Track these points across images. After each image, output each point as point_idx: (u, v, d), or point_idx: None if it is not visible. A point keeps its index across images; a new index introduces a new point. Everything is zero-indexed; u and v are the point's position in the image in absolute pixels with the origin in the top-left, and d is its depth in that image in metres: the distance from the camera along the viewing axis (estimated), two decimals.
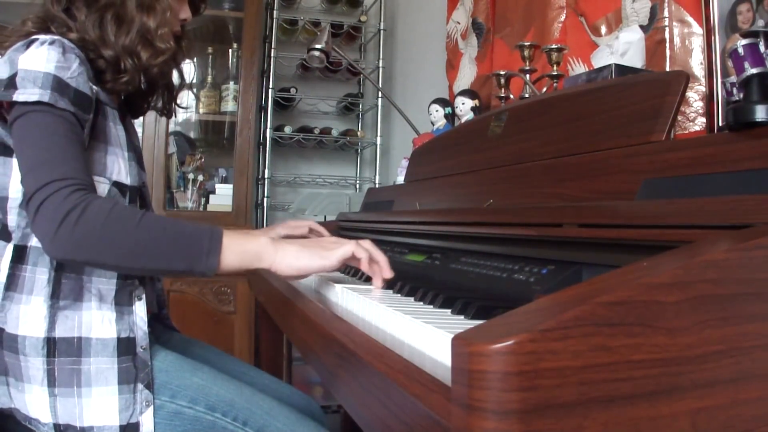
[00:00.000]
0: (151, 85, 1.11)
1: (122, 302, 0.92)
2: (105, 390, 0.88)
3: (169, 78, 1.12)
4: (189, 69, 1.24)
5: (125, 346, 0.90)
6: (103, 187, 0.93)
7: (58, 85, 0.84)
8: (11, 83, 0.84)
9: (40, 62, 0.84)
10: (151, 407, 0.90)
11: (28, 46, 0.87)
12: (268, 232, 1.23)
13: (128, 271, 0.90)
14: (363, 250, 0.90)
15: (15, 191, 0.89)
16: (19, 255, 0.89)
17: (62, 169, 0.81)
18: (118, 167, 0.95)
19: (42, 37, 0.88)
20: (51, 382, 0.86)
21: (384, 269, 0.92)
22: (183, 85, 1.16)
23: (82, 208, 0.79)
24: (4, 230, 0.90)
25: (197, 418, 0.92)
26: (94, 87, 0.91)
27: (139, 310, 0.94)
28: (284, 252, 0.86)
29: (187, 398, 0.93)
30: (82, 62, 0.89)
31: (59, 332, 0.88)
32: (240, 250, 0.84)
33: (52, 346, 0.87)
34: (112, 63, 0.94)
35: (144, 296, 0.95)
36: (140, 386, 0.90)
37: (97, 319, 0.90)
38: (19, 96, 0.83)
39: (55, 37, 0.88)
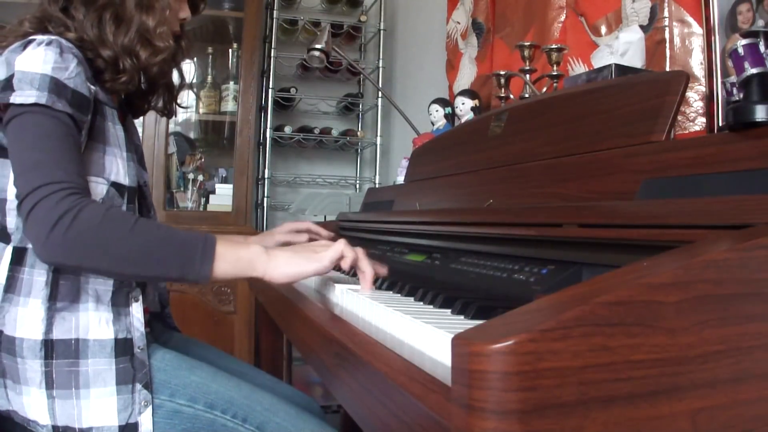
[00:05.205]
0: (152, 84, 1.10)
1: (119, 303, 0.92)
2: (103, 391, 0.88)
3: (169, 77, 1.12)
4: (189, 69, 1.23)
5: (122, 347, 0.90)
6: (101, 188, 0.92)
7: (56, 86, 0.84)
8: (8, 85, 0.83)
9: (37, 63, 0.84)
10: (150, 407, 0.90)
11: (25, 47, 0.86)
12: (265, 238, 1.22)
13: (120, 277, 0.89)
14: (351, 249, 0.90)
15: (14, 193, 0.88)
16: (19, 257, 0.89)
17: (56, 172, 0.81)
18: (116, 168, 0.95)
19: (39, 37, 0.87)
20: (49, 384, 0.86)
21: (378, 269, 0.93)
22: (183, 84, 1.16)
23: (75, 212, 0.79)
24: (4, 232, 0.90)
25: (196, 416, 0.92)
26: (93, 87, 0.91)
27: (136, 311, 0.93)
28: (276, 260, 0.86)
29: (186, 397, 0.93)
30: (80, 62, 0.88)
31: (57, 334, 0.87)
32: (233, 258, 0.84)
33: (49, 348, 0.87)
34: (110, 63, 0.94)
35: (141, 298, 0.95)
36: (138, 386, 0.90)
37: (94, 321, 0.89)
38: (16, 98, 0.82)
39: (53, 37, 0.87)
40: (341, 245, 0.90)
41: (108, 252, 0.80)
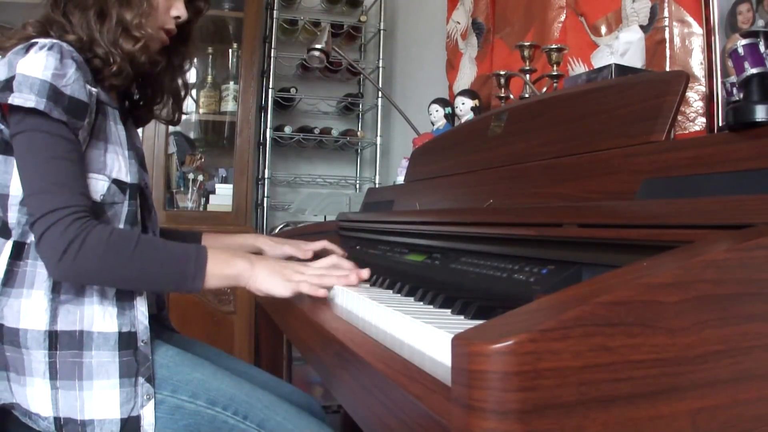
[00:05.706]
0: (154, 88, 1.13)
1: (123, 297, 0.94)
2: (106, 383, 0.90)
3: (175, 82, 1.14)
4: (190, 71, 1.25)
5: (126, 340, 0.92)
6: (102, 185, 0.94)
7: (54, 93, 0.86)
8: (8, 86, 0.85)
9: (38, 68, 0.86)
10: (152, 401, 0.92)
11: (27, 49, 0.88)
12: (275, 247, 1.29)
13: (122, 289, 0.94)
14: (310, 286, 0.94)
15: (15, 189, 0.91)
16: (18, 251, 0.91)
17: (63, 197, 0.86)
18: (118, 165, 0.97)
19: (41, 41, 0.89)
20: (53, 374, 0.88)
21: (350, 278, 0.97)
22: (188, 91, 1.19)
23: (82, 240, 0.85)
24: (4, 227, 0.92)
25: (198, 412, 0.94)
26: (94, 89, 0.93)
27: (140, 305, 0.95)
28: (256, 277, 0.95)
29: (187, 393, 0.94)
30: (79, 66, 0.90)
31: (61, 325, 0.89)
32: (221, 274, 0.93)
33: (53, 339, 0.89)
34: (104, 59, 0.96)
35: (145, 291, 0.97)
36: (141, 380, 0.92)
37: (98, 314, 0.92)
38: (15, 99, 0.85)
39: (54, 41, 0.90)
40: (300, 287, 0.94)
41: (112, 274, 0.89)
